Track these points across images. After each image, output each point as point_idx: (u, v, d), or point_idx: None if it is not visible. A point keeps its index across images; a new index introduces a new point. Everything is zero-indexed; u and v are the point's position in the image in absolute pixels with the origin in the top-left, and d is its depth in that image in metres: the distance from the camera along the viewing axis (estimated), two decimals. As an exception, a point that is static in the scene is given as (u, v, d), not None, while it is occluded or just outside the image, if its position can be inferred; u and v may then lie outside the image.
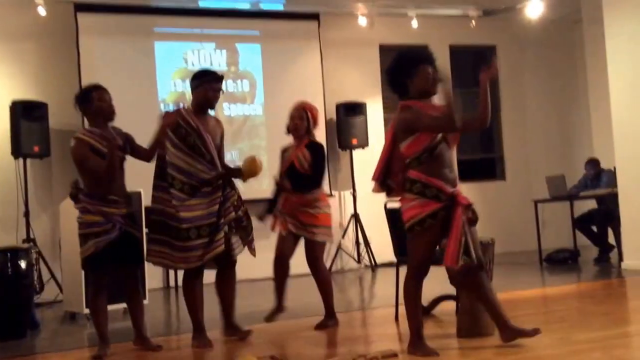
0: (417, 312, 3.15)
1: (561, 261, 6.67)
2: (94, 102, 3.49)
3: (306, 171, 3.96)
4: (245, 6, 6.89)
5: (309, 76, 7.45)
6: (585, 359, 2.86)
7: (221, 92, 3.73)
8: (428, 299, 4.16)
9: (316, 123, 4.09)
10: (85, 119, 3.71)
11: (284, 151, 4.11)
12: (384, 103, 7.95)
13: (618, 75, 6.00)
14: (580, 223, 6.78)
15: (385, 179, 3.24)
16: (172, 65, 7.06)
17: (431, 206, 3.03)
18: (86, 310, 4.60)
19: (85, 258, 3.42)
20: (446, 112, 3.00)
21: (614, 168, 6.16)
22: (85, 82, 6.67)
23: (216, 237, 3.53)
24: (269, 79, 7.34)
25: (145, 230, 4.27)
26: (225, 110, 7.21)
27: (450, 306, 4.04)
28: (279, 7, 7.10)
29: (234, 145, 7.15)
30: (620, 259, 6.06)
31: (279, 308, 4.03)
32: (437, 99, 3.16)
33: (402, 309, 4.05)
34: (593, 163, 6.85)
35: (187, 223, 3.50)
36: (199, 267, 3.63)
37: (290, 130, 4.07)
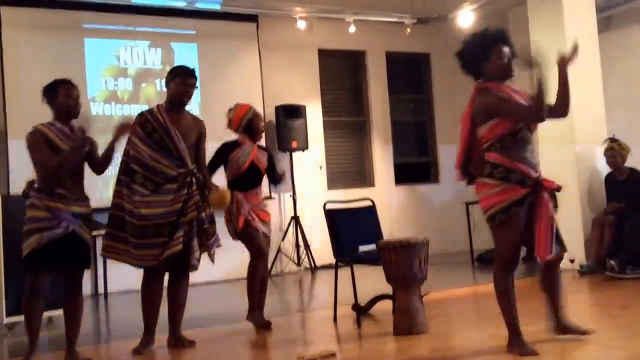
0: (510, 308, 2.93)
1: (491, 260, 6.90)
2: (59, 97, 3.37)
3: (264, 171, 4.14)
4: (181, 4, 6.76)
5: (247, 77, 7.40)
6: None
7: (194, 88, 3.63)
8: (365, 298, 4.22)
9: None
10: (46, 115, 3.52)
11: (229, 149, 4.04)
12: (323, 106, 8.02)
13: (543, 83, 6.30)
14: (509, 224, 7.06)
15: (467, 166, 3.05)
16: (102, 62, 6.84)
17: (517, 192, 2.81)
18: (6, 320, 4.39)
19: (26, 255, 3.23)
20: (537, 103, 2.78)
21: (540, 171, 6.47)
22: (8, 78, 6.40)
23: (175, 235, 3.43)
24: (206, 79, 7.23)
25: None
26: (160, 111, 7.05)
27: (387, 305, 4.12)
28: (216, 7, 7.03)
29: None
30: (546, 257, 6.36)
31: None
32: (528, 88, 2.94)
33: (340, 309, 4.12)
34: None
35: (145, 220, 3.40)
36: (159, 269, 3.53)
37: (259, 132, 4.13)
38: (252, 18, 7.41)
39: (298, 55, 7.80)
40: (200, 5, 6.82)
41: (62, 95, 3.37)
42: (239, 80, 7.33)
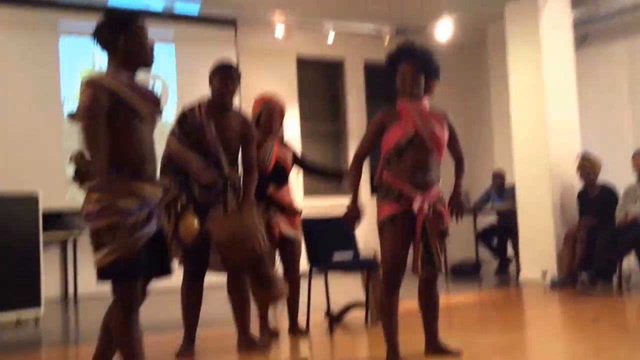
0: (389, 326, 2.88)
1: (464, 272, 6.96)
2: None
3: (289, 169, 3.82)
4: (158, 8, 6.66)
5: (225, 82, 7.32)
6: (486, 362, 2.98)
7: (234, 85, 3.39)
8: (338, 306, 4.18)
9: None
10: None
11: None
12: (300, 113, 7.98)
13: (519, 96, 6.39)
14: (482, 236, 7.12)
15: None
16: (78, 62, 6.71)
17: (390, 209, 2.87)
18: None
19: (113, 262, 2.30)
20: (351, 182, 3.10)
21: (514, 185, 6.52)
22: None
23: None
24: (182, 82, 7.15)
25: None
26: (135, 113, 6.94)
27: (359, 314, 4.08)
28: (194, 12, 6.95)
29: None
30: (518, 270, 6.42)
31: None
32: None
33: (313, 317, 4.07)
34: (497, 177, 7.20)
35: None
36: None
37: (267, 128, 3.77)
38: (231, 23, 7.36)
39: (276, 62, 7.77)
40: (178, 8, 6.73)
41: None
42: (216, 85, 7.25)
